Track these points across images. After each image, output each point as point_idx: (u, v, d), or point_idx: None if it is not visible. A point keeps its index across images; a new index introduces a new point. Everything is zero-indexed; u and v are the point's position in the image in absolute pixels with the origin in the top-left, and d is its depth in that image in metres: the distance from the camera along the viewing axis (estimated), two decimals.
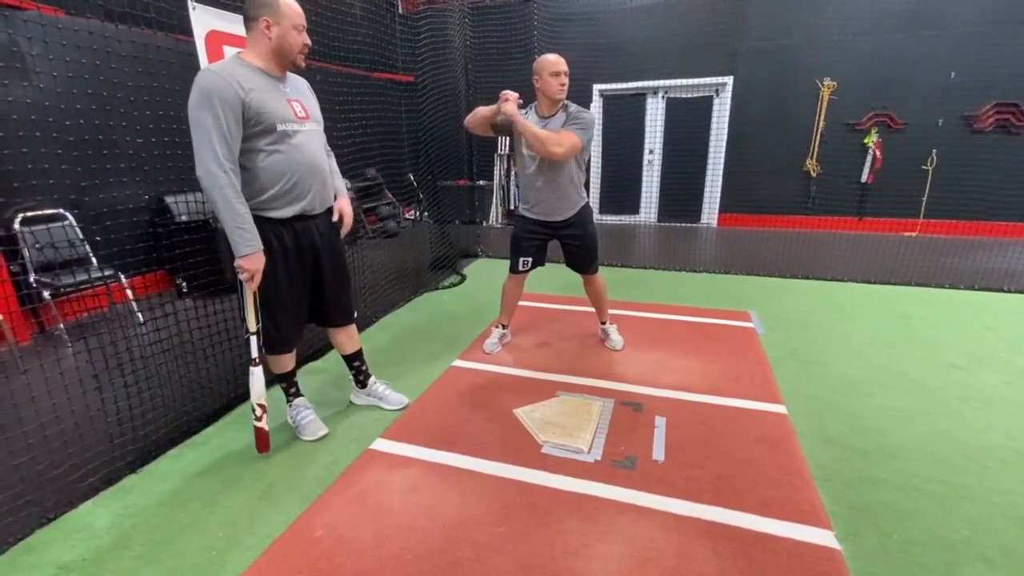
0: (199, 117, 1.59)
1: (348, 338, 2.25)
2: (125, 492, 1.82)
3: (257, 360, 1.91)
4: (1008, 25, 5.22)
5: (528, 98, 2.44)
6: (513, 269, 2.79)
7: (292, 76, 1.88)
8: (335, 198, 2.07)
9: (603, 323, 2.97)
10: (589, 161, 2.68)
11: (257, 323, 1.88)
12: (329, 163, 2.07)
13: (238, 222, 1.66)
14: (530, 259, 2.74)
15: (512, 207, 7.20)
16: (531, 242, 2.70)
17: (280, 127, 1.73)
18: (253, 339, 1.88)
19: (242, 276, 1.75)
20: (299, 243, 1.88)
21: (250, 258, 1.71)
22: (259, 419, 1.94)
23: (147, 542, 1.58)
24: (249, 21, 1.71)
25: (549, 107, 2.44)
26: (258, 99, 1.66)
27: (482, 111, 2.47)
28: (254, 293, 1.83)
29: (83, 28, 2.08)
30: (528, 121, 2.39)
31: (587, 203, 2.65)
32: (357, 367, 2.32)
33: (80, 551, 1.55)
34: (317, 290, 2.04)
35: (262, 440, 1.97)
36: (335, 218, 2.04)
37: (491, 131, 2.56)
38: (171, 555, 1.53)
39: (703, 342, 2.98)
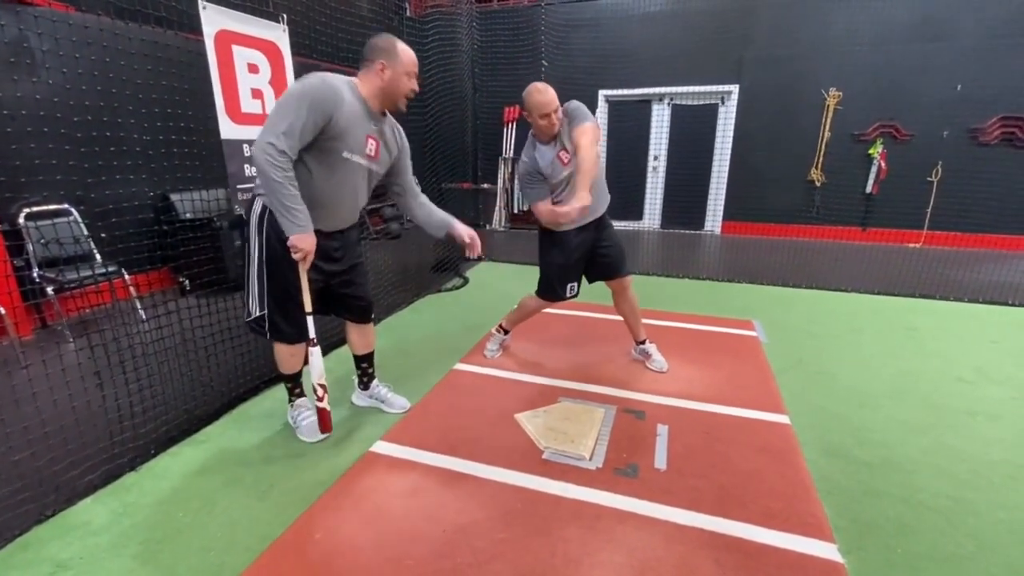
0: (288, 102, 1.64)
1: (362, 337, 2.26)
2: (124, 490, 1.81)
3: (315, 340, 1.92)
4: (1014, 39, 5.22)
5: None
6: (558, 297, 2.54)
7: (390, 119, 1.96)
8: (440, 225, 2.12)
9: (641, 342, 2.71)
10: None
11: (263, 308, 1.89)
12: (422, 199, 2.14)
13: (291, 201, 1.67)
14: (576, 284, 2.55)
15: (516, 210, 7.20)
16: (580, 262, 2.50)
17: (345, 154, 1.78)
18: (310, 320, 1.89)
19: (295, 255, 1.75)
20: (320, 250, 1.88)
21: (303, 237, 1.72)
22: (320, 399, 1.97)
23: (145, 541, 1.57)
24: (365, 62, 1.81)
25: (547, 137, 2.30)
26: (345, 123, 1.72)
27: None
28: (260, 266, 1.86)
29: (93, 25, 2.09)
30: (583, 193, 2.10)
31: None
32: (364, 368, 2.33)
33: (77, 549, 1.54)
34: (333, 288, 2.05)
35: (324, 420, 2.02)
36: (472, 251, 2.06)
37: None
38: (168, 555, 1.52)
39: (706, 350, 2.96)
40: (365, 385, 2.36)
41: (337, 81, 1.73)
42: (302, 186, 1.74)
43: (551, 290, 2.56)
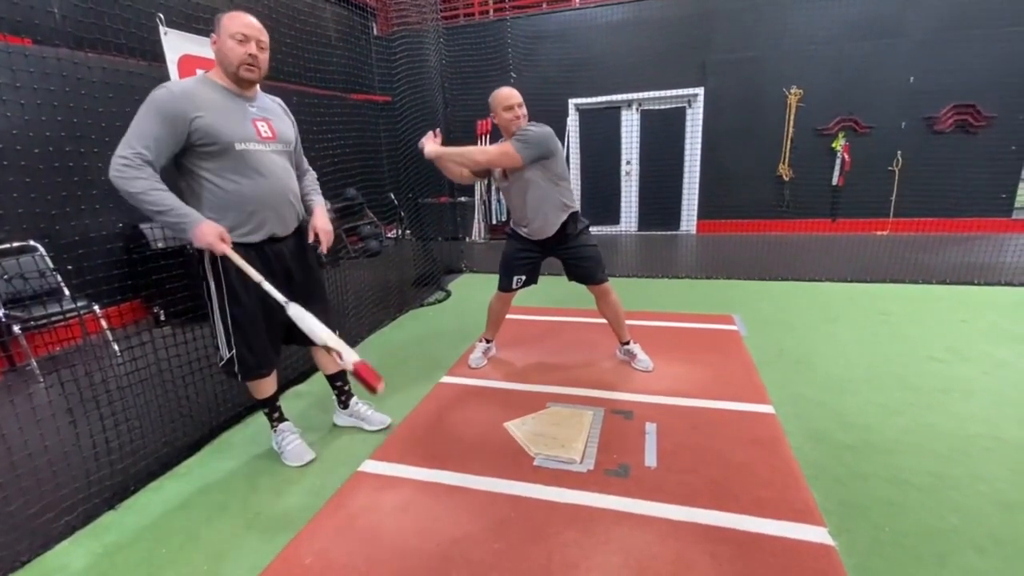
0: (135, 120, 1.58)
1: (329, 357, 2.19)
2: (103, 530, 1.74)
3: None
4: (960, 31, 5.48)
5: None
6: (505, 288, 2.70)
7: (264, 96, 1.87)
8: (308, 213, 2.01)
9: (625, 343, 2.76)
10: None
11: (231, 348, 1.84)
12: (306, 180, 2.05)
13: (166, 202, 1.57)
14: (523, 277, 2.68)
15: (495, 221, 7.23)
16: (525, 260, 2.64)
17: (239, 146, 1.70)
18: (270, 289, 1.72)
19: (214, 247, 1.63)
20: (270, 267, 1.84)
21: (203, 228, 1.60)
22: (341, 357, 1.71)
23: None
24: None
25: (510, 137, 2.40)
26: (212, 119, 1.64)
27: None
28: (223, 305, 1.79)
29: (51, 56, 2.06)
30: (445, 148, 2.42)
31: (575, 213, 2.55)
32: (340, 387, 2.28)
33: None
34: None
35: (369, 374, 1.68)
36: (310, 238, 1.97)
37: (469, 176, 2.60)
38: None
39: (689, 347, 3.00)
40: (344, 404, 2.31)
41: (183, 83, 1.68)
42: (223, 198, 1.70)
43: (501, 280, 2.72)
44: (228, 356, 1.86)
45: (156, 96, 1.60)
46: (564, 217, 2.52)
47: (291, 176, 1.91)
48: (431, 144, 2.42)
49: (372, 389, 1.68)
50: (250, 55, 1.69)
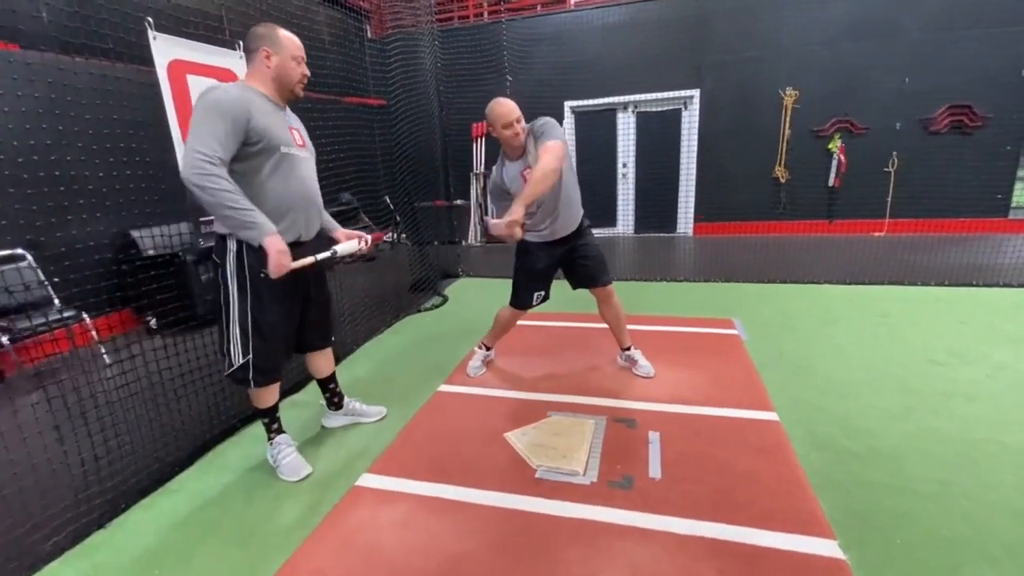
0: (199, 120, 1.59)
1: (326, 359, 2.25)
2: (93, 550, 1.69)
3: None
4: (952, 32, 5.50)
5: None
6: (524, 304, 2.60)
7: (288, 109, 1.94)
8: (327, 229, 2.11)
9: (626, 349, 2.73)
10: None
11: (247, 354, 1.83)
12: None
13: (244, 204, 1.61)
14: (543, 293, 2.59)
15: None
16: (544, 271, 2.54)
17: (284, 149, 1.77)
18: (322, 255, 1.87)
19: (282, 261, 1.66)
20: (293, 271, 1.82)
21: (275, 239, 1.65)
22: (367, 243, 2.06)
23: None
24: (249, 52, 1.78)
25: (514, 151, 2.32)
26: (264, 121, 1.70)
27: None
28: (244, 310, 1.80)
29: (37, 61, 2.00)
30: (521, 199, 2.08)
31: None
32: (332, 389, 2.32)
33: None
34: (305, 316, 2.02)
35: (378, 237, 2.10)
36: (361, 245, 2.03)
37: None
38: None
39: (689, 352, 2.96)
40: (338, 405, 2.35)
41: (234, 88, 1.70)
42: (261, 198, 1.72)
43: (518, 296, 2.62)
44: (241, 362, 1.84)
45: (216, 98, 1.61)
46: (582, 211, 2.50)
47: (317, 184, 1.98)
48: (507, 227, 2.00)
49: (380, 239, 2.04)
50: (304, 74, 1.84)
